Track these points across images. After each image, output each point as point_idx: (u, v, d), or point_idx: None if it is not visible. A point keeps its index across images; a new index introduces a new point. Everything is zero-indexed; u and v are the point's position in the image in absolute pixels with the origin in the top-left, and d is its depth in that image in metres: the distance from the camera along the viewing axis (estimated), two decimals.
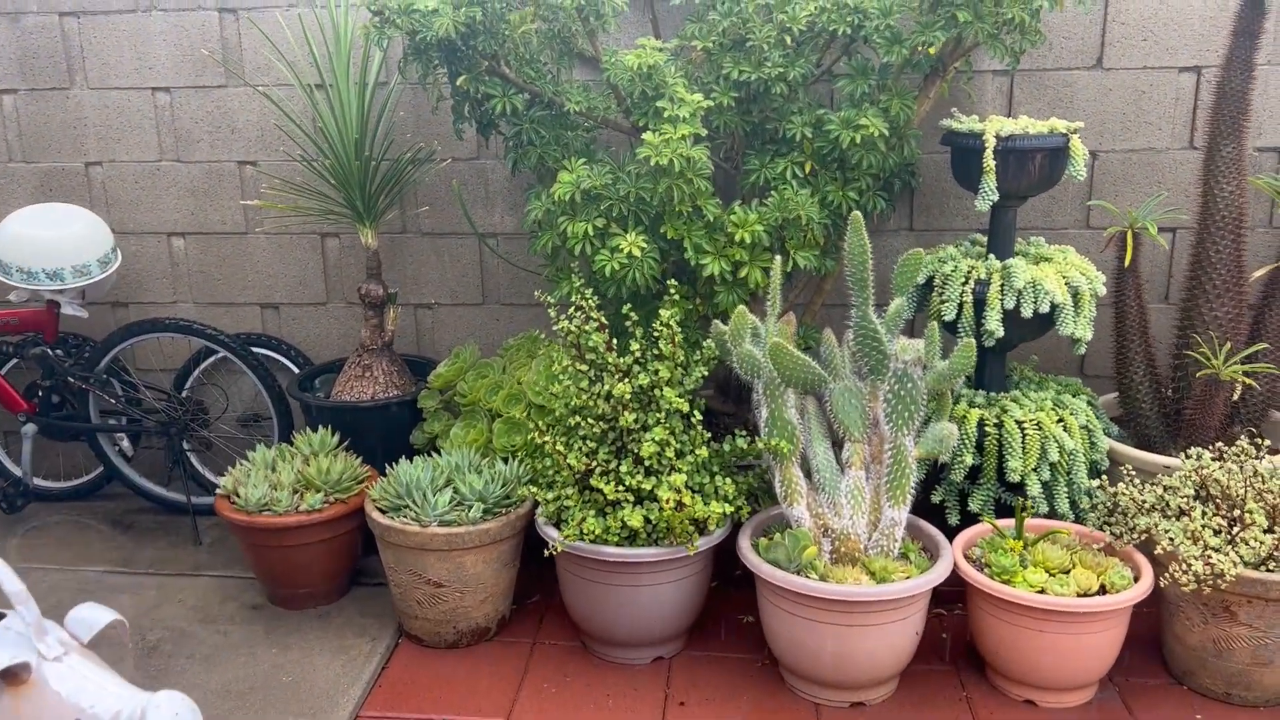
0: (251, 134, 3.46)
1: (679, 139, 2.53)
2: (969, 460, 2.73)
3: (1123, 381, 2.95)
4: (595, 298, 2.63)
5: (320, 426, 3.08)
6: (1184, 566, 2.32)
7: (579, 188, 2.65)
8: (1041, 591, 2.39)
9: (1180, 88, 3.11)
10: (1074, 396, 2.86)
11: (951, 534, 2.63)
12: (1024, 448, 2.69)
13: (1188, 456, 2.57)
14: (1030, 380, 2.99)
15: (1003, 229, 2.81)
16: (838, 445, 2.62)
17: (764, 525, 2.69)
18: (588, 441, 2.57)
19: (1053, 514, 2.74)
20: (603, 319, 2.59)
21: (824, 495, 2.56)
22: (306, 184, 3.24)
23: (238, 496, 2.87)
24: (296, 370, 3.52)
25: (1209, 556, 2.31)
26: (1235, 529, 2.39)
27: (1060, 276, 2.70)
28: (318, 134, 3.21)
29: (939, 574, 2.43)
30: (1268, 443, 2.57)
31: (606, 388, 2.53)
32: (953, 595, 2.70)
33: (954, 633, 2.74)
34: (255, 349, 3.49)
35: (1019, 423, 2.72)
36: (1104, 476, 2.66)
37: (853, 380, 2.61)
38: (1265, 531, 2.37)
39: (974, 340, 2.53)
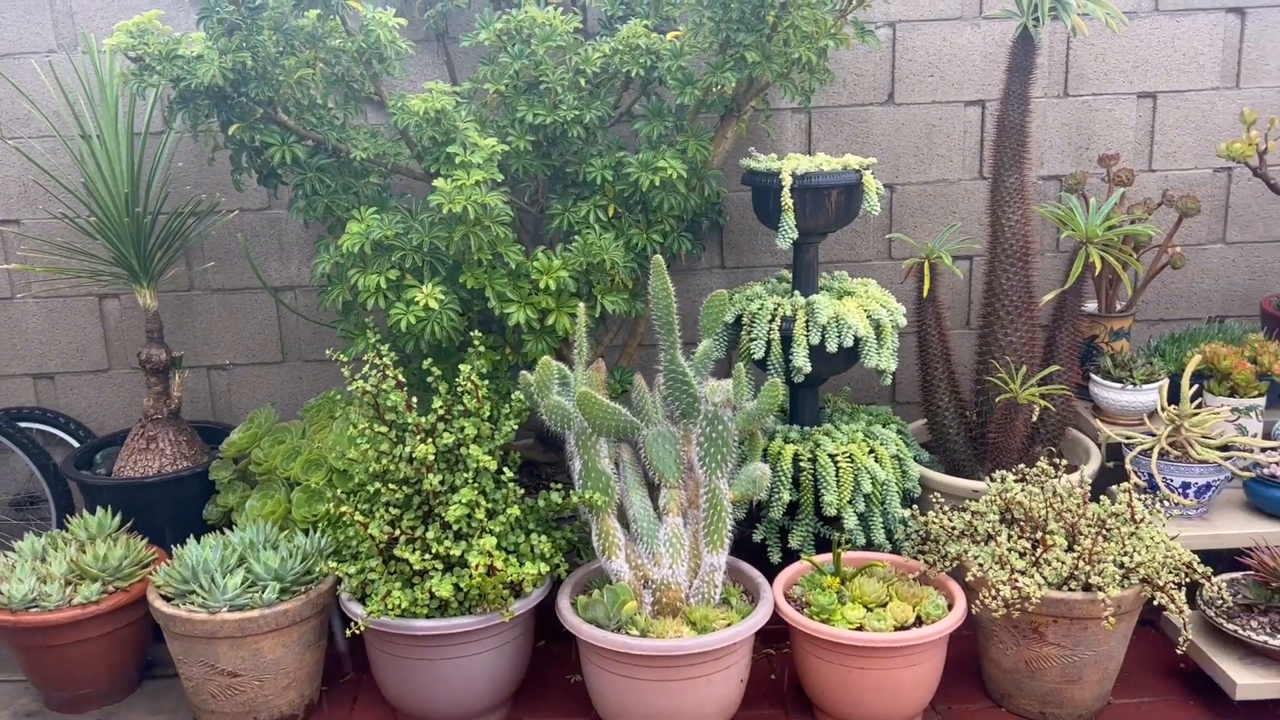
0: (12, 190, 3.17)
1: (472, 185, 2.43)
2: (786, 497, 2.71)
3: (930, 408, 3.01)
4: (393, 353, 2.49)
5: (100, 507, 2.81)
6: (993, 592, 2.35)
7: (369, 238, 2.51)
8: (860, 628, 2.38)
9: (968, 121, 3.23)
10: (884, 426, 2.89)
11: (775, 572, 2.60)
12: (838, 481, 2.70)
13: (992, 480, 2.63)
14: (843, 412, 3.02)
15: (805, 265, 2.83)
16: (655, 492, 2.56)
17: (586, 580, 2.60)
18: (390, 508, 2.42)
19: (870, 545, 2.75)
20: (400, 376, 2.45)
21: (642, 545, 2.49)
22: (71, 243, 2.97)
23: (1, 594, 2.57)
24: (77, 445, 3.22)
25: (1015, 580, 2.35)
26: (1039, 550, 2.45)
27: (862, 310, 2.73)
28: (84, 188, 2.96)
29: (759, 619, 2.39)
30: (1065, 461, 2.65)
31: (408, 449, 2.39)
32: (779, 634, 2.67)
33: (782, 673, 2.71)
34: (26, 424, 3.18)
35: (832, 456, 2.72)
36: (915, 505, 2.68)
37: (666, 425, 2.56)
38: (1066, 551, 2.44)
39: (780, 379, 2.52)
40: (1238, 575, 2.57)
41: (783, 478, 2.71)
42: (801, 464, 2.73)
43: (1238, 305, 3.39)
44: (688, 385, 2.50)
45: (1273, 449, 2.71)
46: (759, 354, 2.73)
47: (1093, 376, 3.02)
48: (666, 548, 2.47)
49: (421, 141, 2.54)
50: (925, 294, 2.87)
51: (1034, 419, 2.84)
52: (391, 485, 2.40)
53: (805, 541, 2.76)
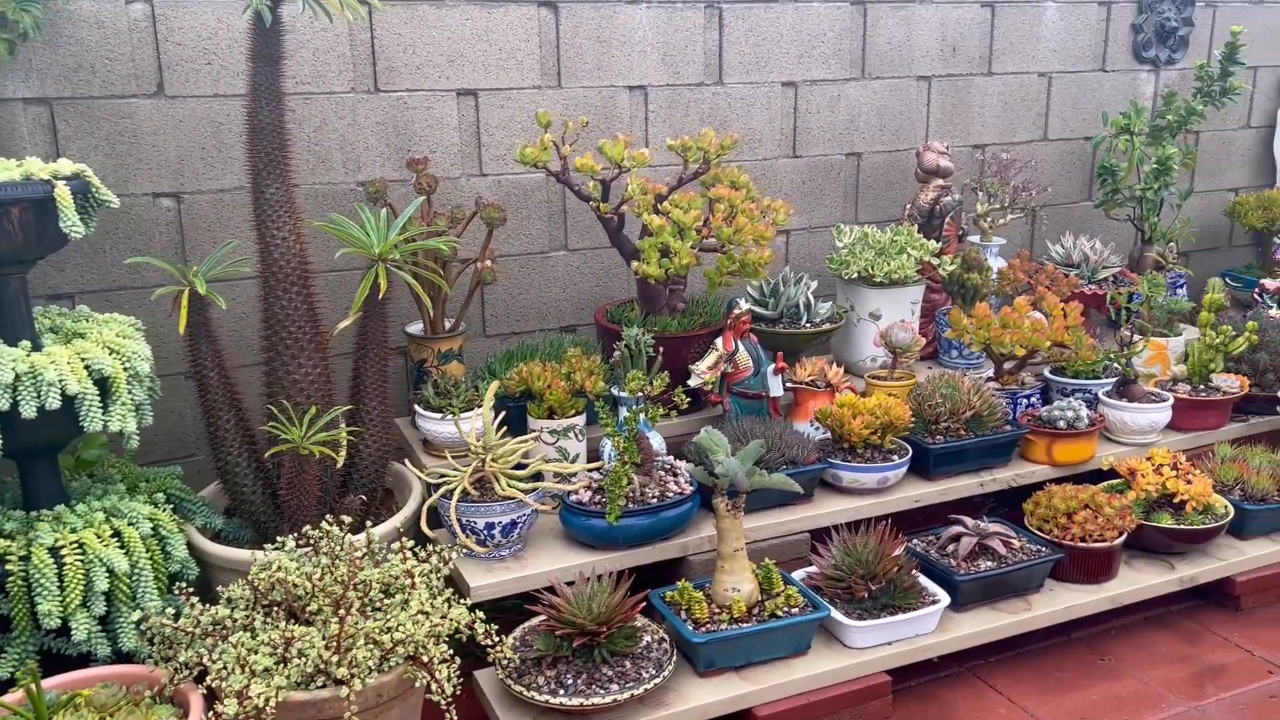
0: None
1: None
2: None
3: (221, 464, 2.50)
4: None
5: None
6: (226, 705, 1.88)
7: None
8: None
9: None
10: (149, 497, 2.34)
11: None
12: (62, 581, 2.09)
13: (276, 548, 2.18)
14: (111, 481, 2.41)
15: (6, 304, 2.18)
16: None
17: None
18: None
19: (119, 655, 2.18)
20: None
21: None
22: None
23: None
24: None
25: (249, 687, 1.90)
26: (294, 640, 2.02)
27: (78, 359, 2.14)
28: None
29: None
30: (349, 521, 2.26)
31: None
32: None
33: None
34: None
35: (54, 549, 2.11)
36: (191, 588, 2.16)
37: None
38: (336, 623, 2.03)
39: None
40: (536, 623, 2.34)
41: None
42: (9, 565, 2.08)
43: (588, 314, 3.27)
44: None
45: (571, 475, 2.54)
46: None
47: (415, 406, 2.69)
48: None
49: None
50: (182, 327, 2.34)
51: (340, 465, 2.44)
52: None
53: (21, 665, 2.12)
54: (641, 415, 2.52)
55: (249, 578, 2.11)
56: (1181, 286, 3.85)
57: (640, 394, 2.56)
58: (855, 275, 3.24)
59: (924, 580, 2.58)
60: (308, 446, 2.32)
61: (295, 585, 2.08)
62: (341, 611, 2.02)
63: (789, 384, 3.00)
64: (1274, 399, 3.29)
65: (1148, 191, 3.67)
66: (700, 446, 2.46)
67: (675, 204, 2.73)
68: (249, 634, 2.02)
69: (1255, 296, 3.86)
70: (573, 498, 2.51)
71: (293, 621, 2.07)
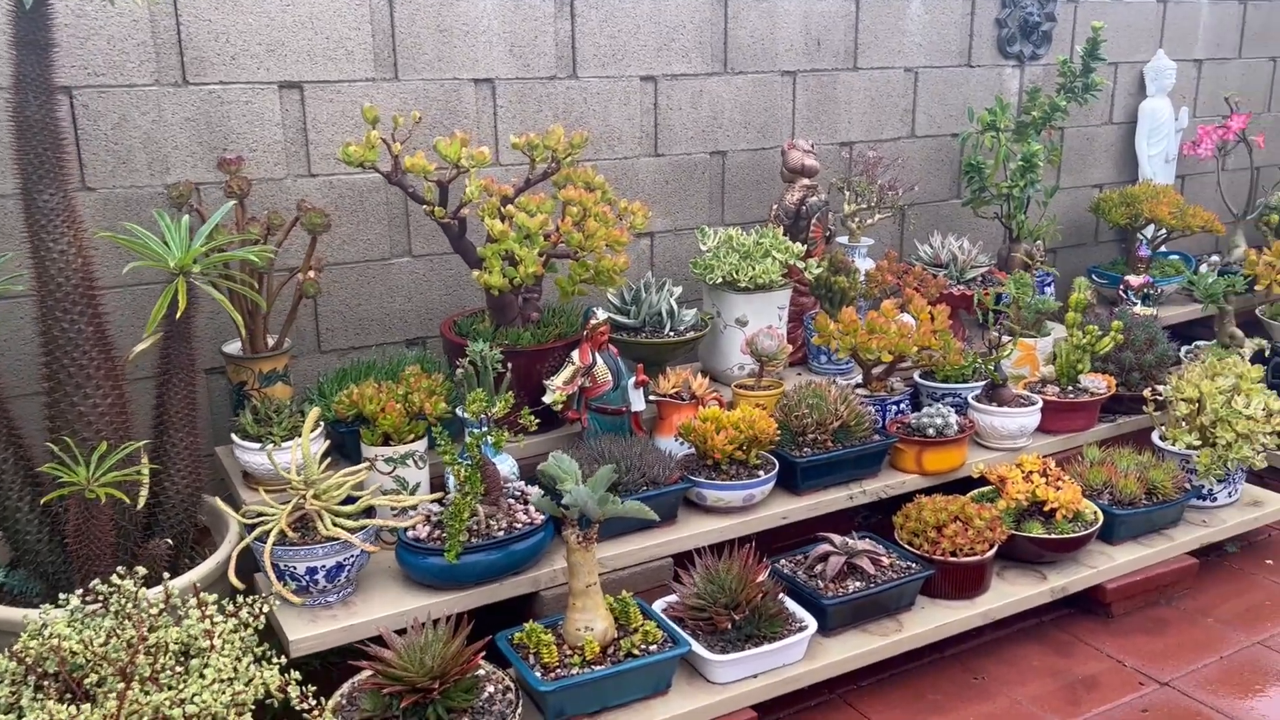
0: None
1: None
2: None
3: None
4: None
5: None
6: None
7: None
8: None
9: None
10: None
11: None
12: None
13: (62, 605, 1.89)
14: None
15: None
16: None
17: None
18: None
19: None
20: None
21: None
22: None
23: None
24: None
25: None
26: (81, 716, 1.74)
27: None
28: None
29: None
30: (143, 574, 1.98)
31: None
32: None
33: None
34: None
35: None
36: None
37: None
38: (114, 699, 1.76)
39: None
40: (364, 678, 2.10)
41: None
42: None
43: (437, 325, 3.02)
44: None
45: (409, 507, 2.31)
46: None
47: (233, 435, 2.42)
48: None
49: None
50: None
51: (140, 506, 2.15)
52: None
53: None
54: (487, 439, 2.30)
55: (11, 649, 1.82)
56: (1050, 285, 3.82)
57: (483, 416, 2.34)
58: (720, 280, 3.08)
59: (791, 605, 2.44)
60: (96, 489, 2.03)
61: (72, 653, 1.80)
62: (121, 685, 1.75)
63: (652, 397, 2.83)
64: (1140, 398, 3.27)
65: (1014, 189, 3.61)
66: (546, 474, 2.26)
67: (522, 207, 2.52)
68: (15, 717, 1.73)
69: (1120, 293, 3.86)
70: (409, 534, 2.28)
71: (69, 698, 1.79)
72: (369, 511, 2.28)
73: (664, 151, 3.33)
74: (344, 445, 2.57)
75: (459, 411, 2.50)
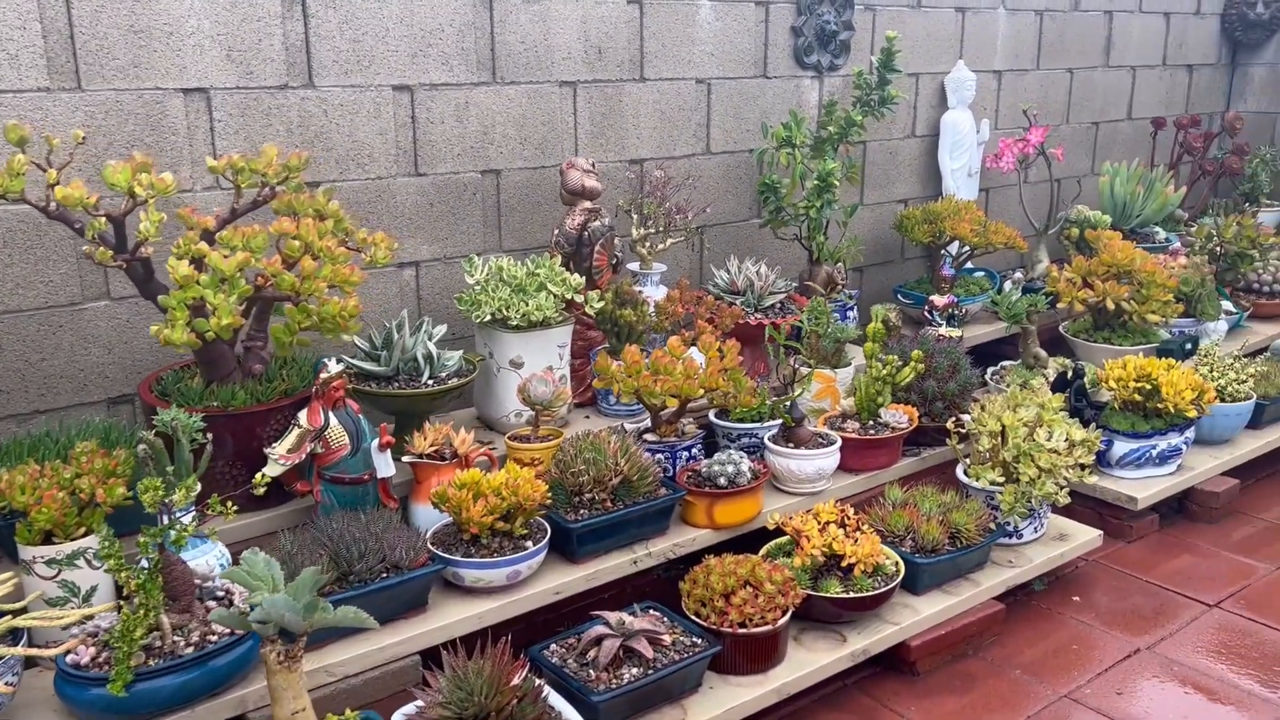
0: None
1: None
2: None
3: None
4: None
5: None
6: None
7: None
8: None
9: None
10: None
11: None
12: None
13: None
14: None
15: None
16: None
17: None
18: None
19: None
20: None
21: None
22: None
23: None
24: None
25: None
26: None
27: None
28: None
29: None
30: None
31: None
32: None
33: None
34: None
35: None
36: None
37: None
38: None
39: None
40: None
41: None
42: None
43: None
44: None
45: (74, 623, 1.86)
46: None
47: None
48: None
49: None
50: None
51: None
52: None
53: None
54: (169, 533, 1.87)
55: None
56: (852, 309, 3.63)
57: (163, 505, 1.90)
58: (489, 318, 2.73)
59: (558, 703, 2.10)
60: None
61: None
62: None
63: (406, 458, 2.45)
64: (944, 430, 3.09)
65: (810, 210, 3.40)
66: (235, 581, 1.84)
67: (224, 243, 2.10)
68: None
69: (925, 314, 3.71)
70: (69, 658, 1.83)
71: None
72: (12, 634, 1.82)
73: (426, 170, 2.95)
74: (6, 541, 2.08)
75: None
